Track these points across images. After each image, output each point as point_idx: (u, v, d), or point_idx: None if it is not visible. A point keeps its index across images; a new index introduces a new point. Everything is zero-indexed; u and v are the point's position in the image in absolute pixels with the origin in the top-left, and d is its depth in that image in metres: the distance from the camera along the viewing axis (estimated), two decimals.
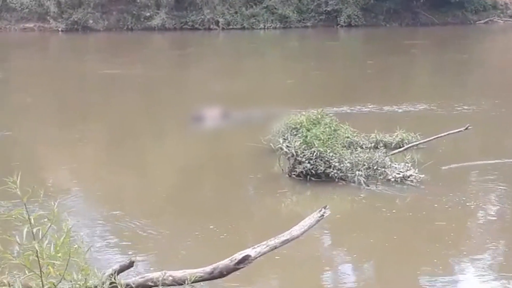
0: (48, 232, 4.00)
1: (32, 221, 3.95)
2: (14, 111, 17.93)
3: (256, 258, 6.98)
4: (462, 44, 33.72)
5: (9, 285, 4.00)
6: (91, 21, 37.71)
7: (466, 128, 12.99)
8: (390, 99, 18.31)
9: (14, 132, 15.06)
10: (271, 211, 10.50)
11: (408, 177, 11.13)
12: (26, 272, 4.01)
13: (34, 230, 3.96)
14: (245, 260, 6.93)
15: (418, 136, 13.19)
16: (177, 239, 9.31)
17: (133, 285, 6.08)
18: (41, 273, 3.95)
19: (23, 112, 17.74)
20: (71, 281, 4.38)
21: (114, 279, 5.78)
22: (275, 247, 7.14)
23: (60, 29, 37.75)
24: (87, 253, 4.45)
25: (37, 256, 3.93)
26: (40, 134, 15.29)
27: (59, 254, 3.97)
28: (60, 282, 4.00)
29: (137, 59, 27.74)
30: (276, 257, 7.83)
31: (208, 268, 6.99)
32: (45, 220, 4.02)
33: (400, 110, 17.27)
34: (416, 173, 11.22)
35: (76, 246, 4.10)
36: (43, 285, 3.95)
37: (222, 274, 6.97)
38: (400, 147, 12.78)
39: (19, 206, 3.99)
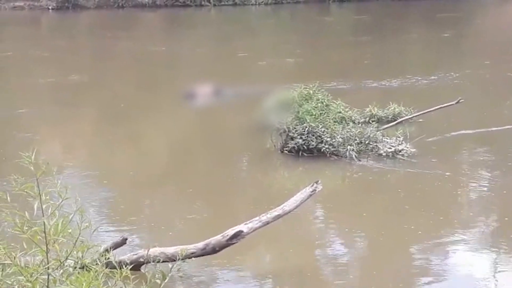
0: (57, 209, 4.01)
1: (43, 197, 3.96)
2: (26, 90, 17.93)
3: (249, 233, 7.03)
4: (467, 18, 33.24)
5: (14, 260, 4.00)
6: None
7: (458, 102, 13.00)
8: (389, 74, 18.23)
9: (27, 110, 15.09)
10: (263, 186, 10.55)
11: (400, 151, 11.18)
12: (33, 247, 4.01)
13: (44, 206, 3.96)
14: (237, 235, 6.98)
15: (411, 110, 13.21)
16: (170, 215, 9.36)
17: (127, 262, 6.12)
18: (47, 250, 3.95)
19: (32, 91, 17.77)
20: (75, 259, 4.41)
21: (107, 256, 5.83)
22: (268, 223, 7.19)
23: (50, 7, 37.51)
24: (93, 231, 4.44)
25: (44, 232, 3.93)
26: (44, 112, 15.27)
27: (69, 230, 3.97)
28: (66, 259, 4.01)
29: (129, 36, 27.59)
30: (269, 233, 7.88)
31: (200, 244, 7.05)
32: (47, 198, 4.02)
33: (396, 85, 17.24)
34: (407, 147, 11.26)
35: (87, 224, 4.10)
36: (48, 262, 3.95)
37: (214, 250, 7.04)
38: (394, 121, 12.81)
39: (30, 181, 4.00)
